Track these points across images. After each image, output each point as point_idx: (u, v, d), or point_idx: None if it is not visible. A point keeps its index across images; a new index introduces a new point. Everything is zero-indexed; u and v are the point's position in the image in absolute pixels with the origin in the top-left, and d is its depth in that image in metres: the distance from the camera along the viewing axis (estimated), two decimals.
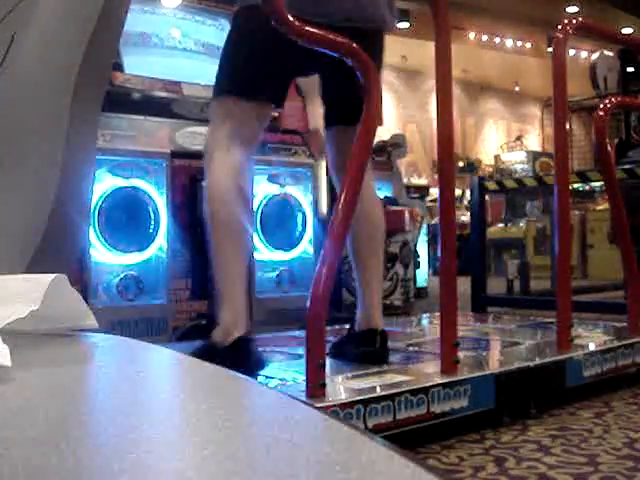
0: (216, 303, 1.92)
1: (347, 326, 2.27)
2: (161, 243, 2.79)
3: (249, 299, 2.99)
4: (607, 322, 3.03)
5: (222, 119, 1.96)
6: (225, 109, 1.96)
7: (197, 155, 2.91)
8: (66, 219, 0.86)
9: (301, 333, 2.58)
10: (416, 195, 7.36)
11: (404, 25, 12.03)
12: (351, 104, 2.06)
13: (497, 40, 13.62)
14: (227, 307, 1.85)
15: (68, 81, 0.84)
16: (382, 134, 6.85)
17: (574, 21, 2.49)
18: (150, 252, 2.77)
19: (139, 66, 3.00)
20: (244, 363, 1.79)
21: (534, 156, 13.00)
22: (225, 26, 3.41)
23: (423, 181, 12.90)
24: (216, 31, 3.37)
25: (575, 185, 4.50)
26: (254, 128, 1.97)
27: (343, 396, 1.65)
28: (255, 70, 1.94)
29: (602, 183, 3.51)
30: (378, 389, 1.71)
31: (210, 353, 1.75)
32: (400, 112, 14.80)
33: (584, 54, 12.50)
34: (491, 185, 4.61)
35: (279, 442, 0.36)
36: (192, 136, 2.92)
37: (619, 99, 3.52)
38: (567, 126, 2.55)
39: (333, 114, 2.17)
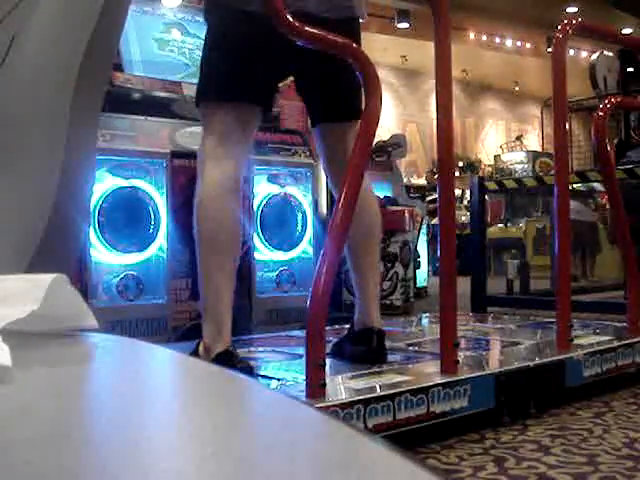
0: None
1: (347, 326, 2.27)
2: (161, 243, 2.79)
3: (249, 299, 3.00)
4: (607, 322, 3.03)
5: (209, 125, 1.93)
6: (209, 115, 1.93)
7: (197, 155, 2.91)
8: (66, 219, 0.86)
9: (301, 333, 2.58)
10: (416, 195, 7.36)
11: (404, 25, 12.04)
12: (334, 100, 2.06)
13: (497, 40, 13.62)
14: (209, 323, 1.85)
15: (68, 81, 0.84)
16: (382, 134, 6.85)
17: (574, 21, 2.49)
18: (150, 252, 2.77)
19: (139, 66, 3.00)
20: None
21: (534, 156, 13.00)
22: None
23: (423, 181, 12.90)
24: None
25: (575, 185, 4.50)
26: (242, 132, 1.92)
27: (343, 396, 1.65)
28: (231, 71, 1.91)
29: (602, 183, 3.50)
30: (378, 389, 1.71)
31: None
32: (400, 112, 14.80)
33: (584, 54, 12.50)
34: (491, 185, 4.61)
35: (279, 442, 0.36)
36: (192, 136, 2.92)
37: (619, 99, 3.52)
38: (567, 126, 2.55)
39: (316, 112, 2.15)
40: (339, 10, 1.93)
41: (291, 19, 1.61)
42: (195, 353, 1.85)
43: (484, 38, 13.35)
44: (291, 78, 3.26)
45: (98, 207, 2.62)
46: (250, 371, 1.85)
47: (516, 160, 13.26)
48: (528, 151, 13.96)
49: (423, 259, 6.22)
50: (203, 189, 1.87)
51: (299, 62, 1.95)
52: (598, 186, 4.68)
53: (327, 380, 1.65)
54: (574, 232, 8.07)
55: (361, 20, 2.05)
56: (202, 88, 1.97)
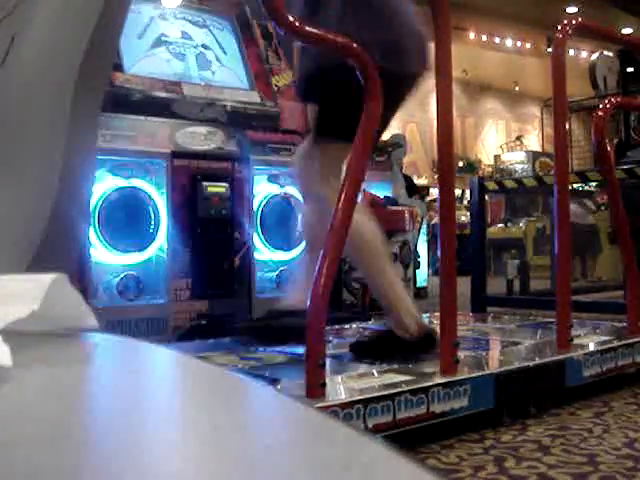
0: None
1: (347, 326, 2.28)
2: (161, 243, 2.79)
3: (249, 299, 3.00)
4: (607, 322, 3.03)
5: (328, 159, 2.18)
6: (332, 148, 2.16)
7: (197, 155, 2.91)
8: (66, 219, 0.86)
9: None
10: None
11: None
12: None
13: (497, 40, 13.62)
14: (402, 310, 2.15)
15: (68, 81, 0.84)
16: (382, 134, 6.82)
17: (574, 21, 2.49)
18: (150, 252, 2.77)
19: (139, 66, 3.00)
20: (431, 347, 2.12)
21: (534, 156, 13.00)
22: (225, 26, 3.41)
23: (423, 181, 12.90)
24: (216, 31, 3.37)
25: (575, 185, 4.50)
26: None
27: (343, 396, 1.65)
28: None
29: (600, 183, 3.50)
30: (378, 389, 1.71)
31: (399, 346, 2.15)
32: (400, 112, 14.79)
33: (584, 54, 12.50)
34: (491, 185, 4.61)
35: (279, 442, 0.36)
36: (192, 136, 2.92)
37: (619, 99, 3.52)
38: (567, 126, 2.55)
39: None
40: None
41: (291, 19, 1.62)
42: (390, 336, 2.15)
43: (484, 38, 13.36)
44: (291, 78, 3.27)
45: (98, 207, 2.62)
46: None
47: (516, 160, 13.26)
48: (528, 151, 13.96)
49: (423, 259, 6.22)
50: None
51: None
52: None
53: (327, 380, 1.65)
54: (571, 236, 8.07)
55: None
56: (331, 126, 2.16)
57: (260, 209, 3.10)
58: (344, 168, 2.13)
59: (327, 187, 2.11)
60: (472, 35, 13.01)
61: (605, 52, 7.45)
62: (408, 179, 6.57)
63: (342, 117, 2.07)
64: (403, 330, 2.16)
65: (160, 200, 2.78)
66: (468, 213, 6.40)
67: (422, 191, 7.55)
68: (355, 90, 2.03)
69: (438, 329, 1.95)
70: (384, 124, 2.35)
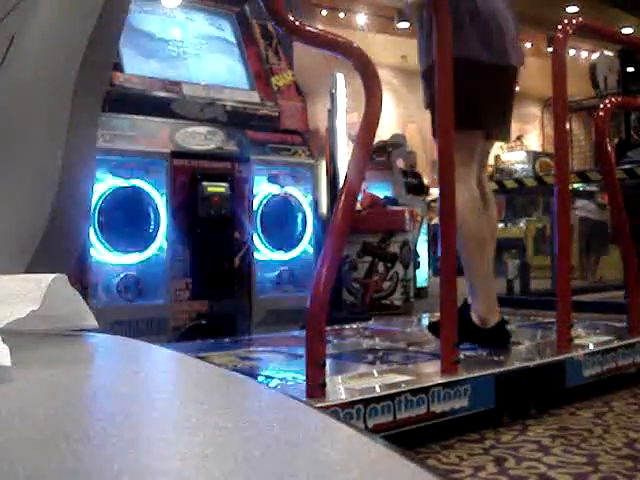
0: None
1: (347, 326, 2.29)
2: (161, 243, 2.78)
3: (249, 299, 3.00)
4: (607, 322, 3.03)
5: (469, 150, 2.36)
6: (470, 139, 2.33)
7: (197, 155, 2.91)
8: (66, 219, 0.86)
9: (301, 333, 2.58)
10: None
11: (404, 25, 12.05)
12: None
13: None
14: (485, 301, 2.35)
15: (68, 81, 0.84)
16: (382, 134, 6.84)
17: (574, 21, 2.49)
18: (150, 252, 2.77)
19: (139, 66, 3.00)
20: (502, 342, 2.34)
21: (534, 156, 12.98)
22: (224, 26, 3.40)
23: (423, 181, 12.87)
24: (216, 31, 3.37)
25: (575, 185, 4.50)
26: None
27: (343, 396, 1.65)
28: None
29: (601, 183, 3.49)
30: (378, 389, 1.71)
31: (473, 334, 2.30)
32: (400, 112, 14.79)
33: (584, 54, 12.50)
34: (491, 185, 4.60)
35: (279, 442, 0.36)
36: (192, 136, 2.92)
37: (619, 99, 3.52)
38: (567, 126, 2.55)
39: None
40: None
41: (292, 18, 1.62)
42: (468, 321, 2.27)
43: None
44: (291, 78, 3.27)
45: (98, 207, 2.62)
46: (511, 342, 2.37)
47: (516, 160, 13.25)
48: (528, 151, 13.94)
49: (423, 259, 6.22)
50: (461, 199, 2.24)
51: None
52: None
53: (327, 380, 1.65)
54: (584, 230, 8.08)
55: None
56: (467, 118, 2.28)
57: (260, 209, 3.09)
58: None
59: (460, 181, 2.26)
60: None
61: (605, 52, 7.45)
62: (418, 177, 6.57)
63: (464, 107, 2.14)
64: (477, 316, 2.34)
65: (160, 200, 2.78)
66: None
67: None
68: (470, 84, 2.20)
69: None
70: (505, 118, 2.54)
